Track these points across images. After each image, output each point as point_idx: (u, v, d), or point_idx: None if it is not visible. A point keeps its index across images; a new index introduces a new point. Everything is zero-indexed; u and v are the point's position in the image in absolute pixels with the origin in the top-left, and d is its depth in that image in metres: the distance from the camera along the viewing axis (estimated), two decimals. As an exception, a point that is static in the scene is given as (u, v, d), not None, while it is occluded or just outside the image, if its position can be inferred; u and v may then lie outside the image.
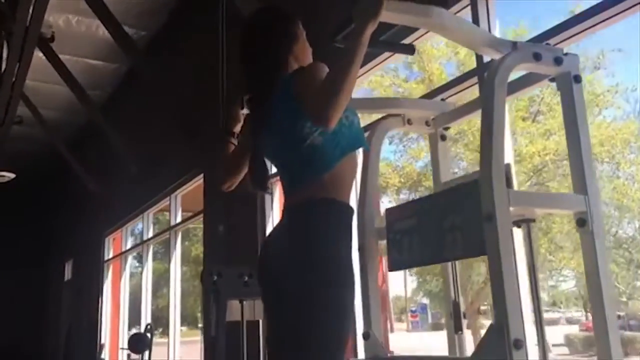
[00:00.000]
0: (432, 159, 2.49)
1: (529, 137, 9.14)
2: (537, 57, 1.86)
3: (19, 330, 12.05)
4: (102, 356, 8.97)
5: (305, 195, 1.70)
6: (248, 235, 4.65)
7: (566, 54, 1.92)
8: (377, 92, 9.43)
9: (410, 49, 2.08)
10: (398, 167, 9.54)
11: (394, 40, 2.78)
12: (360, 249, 2.21)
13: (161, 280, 12.03)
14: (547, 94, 9.68)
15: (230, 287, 3.30)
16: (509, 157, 2.77)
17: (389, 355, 2.07)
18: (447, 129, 2.47)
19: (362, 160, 2.33)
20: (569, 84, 1.91)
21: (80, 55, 7.94)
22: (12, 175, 8.39)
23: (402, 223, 2.14)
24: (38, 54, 7.26)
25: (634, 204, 9.25)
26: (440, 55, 10.16)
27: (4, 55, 6.26)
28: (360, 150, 2.04)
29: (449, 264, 2.25)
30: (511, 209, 1.72)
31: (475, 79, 2.94)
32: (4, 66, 6.25)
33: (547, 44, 2.11)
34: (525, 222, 1.84)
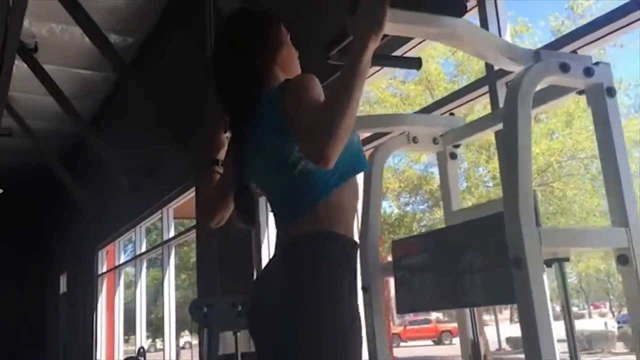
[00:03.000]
0: (441, 181, 2.22)
1: (532, 137, 8.90)
2: (564, 68, 1.60)
3: (16, 344, 11.81)
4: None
5: (300, 230, 1.44)
6: (242, 263, 4.40)
7: (597, 64, 1.67)
8: (372, 93, 9.18)
9: (416, 63, 1.81)
10: (398, 171, 9.28)
11: (388, 52, 2.52)
12: (363, 288, 1.95)
13: (160, 288, 11.79)
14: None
15: (223, 318, 3.04)
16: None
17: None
18: (457, 146, 2.21)
19: (363, 187, 2.08)
20: (601, 97, 1.65)
21: (66, 65, 7.66)
22: (0, 190, 8.14)
23: (411, 259, 1.89)
24: (22, 65, 7.00)
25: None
26: (438, 54, 9.90)
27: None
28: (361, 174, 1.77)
29: (468, 309, 1.98)
30: (550, 248, 1.48)
31: (485, 88, 2.69)
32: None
33: (574, 52, 1.85)
34: (557, 261, 1.58)
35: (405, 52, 3.08)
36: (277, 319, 1.40)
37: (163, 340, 6.58)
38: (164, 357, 6.44)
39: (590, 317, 21.43)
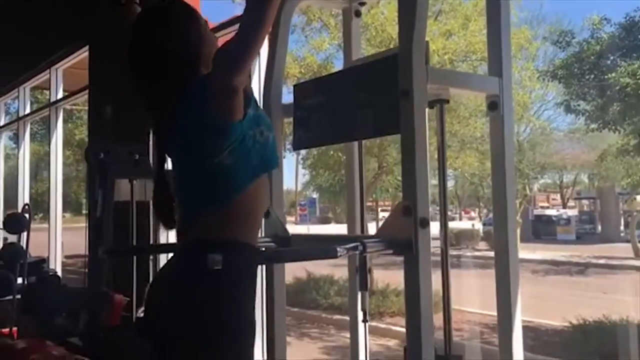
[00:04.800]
0: (344, 35, 2.35)
1: (429, 35, 9.19)
2: None
3: None
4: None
5: (205, 232, 1.43)
6: (141, 113, 4.35)
7: None
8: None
9: None
10: (299, 58, 9.31)
11: None
12: (264, 125, 2.09)
13: (41, 163, 11.30)
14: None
15: (119, 166, 3.08)
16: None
17: (291, 234, 2.01)
18: (362, 4, 2.33)
19: (272, 30, 2.16)
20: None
21: None
22: None
23: (310, 100, 2.03)
24: None
25: (518, 108, 9.69)
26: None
27: None
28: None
29: (356, 145, 2.18)
30: (428, 87, 1.66)
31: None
32: None
33: None
34: (439, 103, 1.78)
35: None
36: (171, 327, 1.40)
37: (43, 218, 6.30)
38: (48, 233, 6.31)
39: (460, 220, 23.40)
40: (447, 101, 1.78)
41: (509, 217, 1.77)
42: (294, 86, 2.12)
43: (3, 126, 8.24)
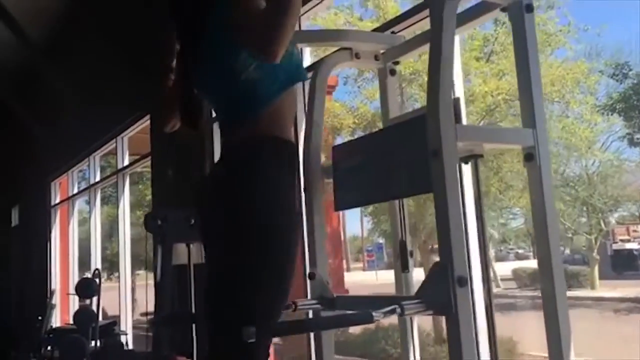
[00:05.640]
0: (380, 95, 2.40)
1: (482, 76, 9.14)
2: (487, -16, 1.76)
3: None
4: (53, 302, 8.83)
5: (244, 133, 1.58)
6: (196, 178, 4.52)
7: (518, -18, 1.83)
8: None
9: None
10: (353, 108, 9.44)
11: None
12: (305, 187, 2.14)
13: (115, 225, 11.78)
14: (501, 33, 9.65)
15: (176, 230, 3.20)
16: (459, 94, 2.72)
17: (335, 295, 2.03)
18: (396, 63, 2.38)
19: (308, 95, 2.23)
20: (520, 13, 1.83)
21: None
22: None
23: (349, 161, 2.07)
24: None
25: (581, 143, 9.46)
26: (396, -9, 9.93)
27: None
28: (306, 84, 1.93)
29: (397, 203, 2.19)
30: (459, 144, 1.67)
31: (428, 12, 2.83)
32: None
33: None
34: (473, 158, 1.78)
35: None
36: (224, 210, 1.54)
37: (119, 280, 6.60)
38: (119, 293, 6.55)
39: (534, 258, 22.55)
40: (481, 156, 1.78)
41: (553, 266, 1.72)
42: (333, 148, 2.17)
43: (76, 193, 8.69)
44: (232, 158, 1.61)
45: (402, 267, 2.16)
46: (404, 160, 1.79)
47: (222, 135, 1.71)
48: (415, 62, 8.61)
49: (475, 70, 9.05)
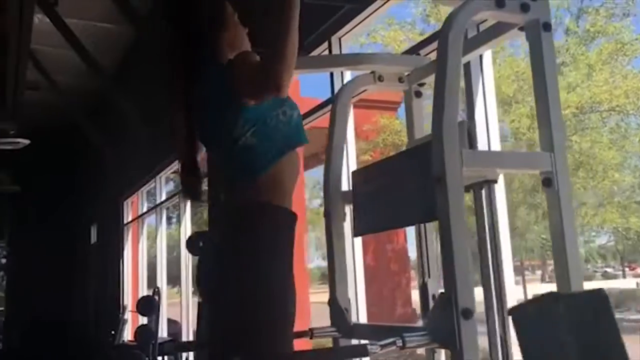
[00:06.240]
0: (406, 117, 2.36)
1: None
2: (499, 3, 1.70)
3: (48, 294, 12.33)
4: (125, 317, 9.17)
5: (241, 200, 1.58)
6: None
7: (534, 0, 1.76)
8: (390, 47, 9.17)
9: None
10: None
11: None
12: (325, 213, 2.13)
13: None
14: (572, 43, 9.30)
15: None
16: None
17: (352, 323, 2.00)
18: (422, 84, 2.33)
19: (329, 120, 2.23)
20: (537, 32, 1.75)
21: (87, 19, 7.86)
22: (27, 142, 8.45)
23: (366, 186, 2.04)
24: (46, 19, 7.23)
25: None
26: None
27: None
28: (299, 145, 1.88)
29: (421, 237, 2.11)
30: (470, 170, 1.61)
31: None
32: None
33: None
34: (486, 184, 1.72)
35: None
36: (220, 284, 1.57)
37: (180, 293, 6.88)
38: (180, 309, 6.75)
39: (624, 277, 21.29)
40: (495, 181, 1.71)
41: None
42: (352, 173, 2.15)
43: (145, 213, 9.03)
44: (228, 226, 1.61)
45: (421, 308, 2.04)
46: (413, 186, 1.75)
47: (223, 189, 1.69)
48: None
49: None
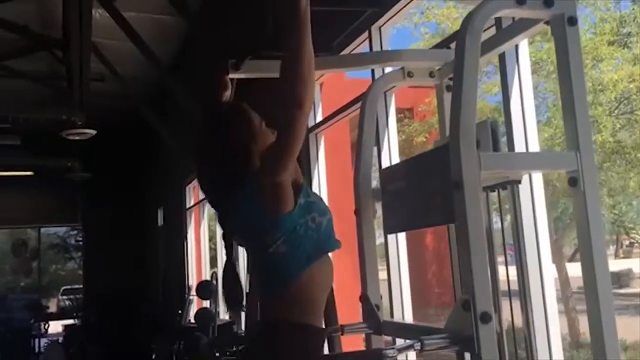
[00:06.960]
0: (438, 112, 2.34)
1: (612, 64, 8.38)
2: (520, 1, 1.66)
3: (119, 274, 12.92)
4: (190, 298, 9.53)
5: (272, 312, 1.60)
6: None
7: (558, -6, 1.71)
8: (444, 25, 8.96)
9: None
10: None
11: None
12: (356, 211, 2.16)
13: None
14: (639, 11, 8.80)
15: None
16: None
17: (382, 320, 2.03)
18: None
19: (359, 118, 2.24)
20: (562, 26, 1.70)
21: (144, 11, 8.09)
22: (93, 132, 8.84)
23: (394, 184, 2.06)
24: (106, 14, 7.51)
25: None
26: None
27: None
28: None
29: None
30: (491, 171, 1.61)
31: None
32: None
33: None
34: (509, 184, 1.70)
35: None
36: None
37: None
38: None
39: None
40: (519, 182, 1.69)
41: (599, 292, 1.59)
42: (381, 170, 2.16)
43: (204, 198, 9.32)
44: (257, 343, 1.66)
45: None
46: (435, 187, 1.75)
47: (258, 295, 1.70)
48: (539, 51, 8.11)
49: (607, 56, 8.33)
